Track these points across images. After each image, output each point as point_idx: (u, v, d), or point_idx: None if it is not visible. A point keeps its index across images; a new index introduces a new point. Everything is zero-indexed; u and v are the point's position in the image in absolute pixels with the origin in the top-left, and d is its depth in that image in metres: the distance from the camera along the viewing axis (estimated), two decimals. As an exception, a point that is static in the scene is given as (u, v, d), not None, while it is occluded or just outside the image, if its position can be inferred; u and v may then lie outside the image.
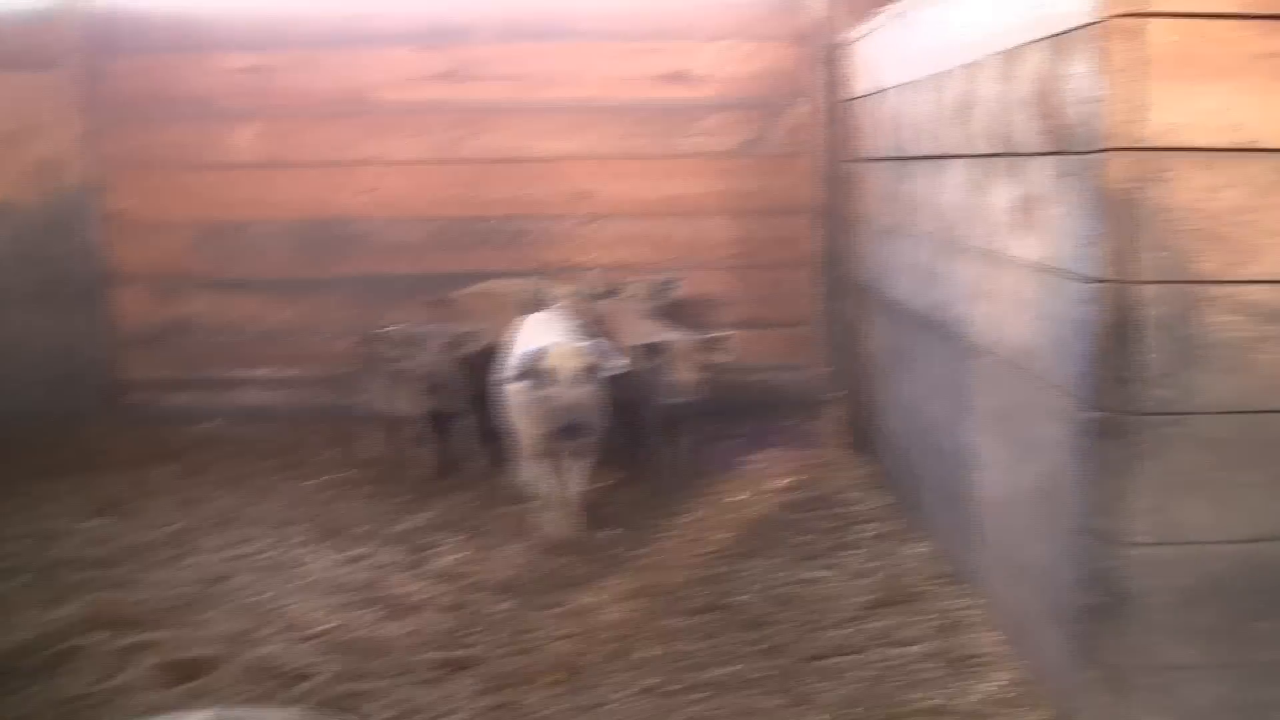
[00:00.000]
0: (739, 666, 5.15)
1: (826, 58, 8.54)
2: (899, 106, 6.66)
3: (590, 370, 6.39)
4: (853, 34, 7.88)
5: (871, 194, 7.48)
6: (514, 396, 6.63)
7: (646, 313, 8.05)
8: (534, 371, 6.35)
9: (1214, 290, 3.95)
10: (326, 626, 5.58)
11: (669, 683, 5.01)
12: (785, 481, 7.56)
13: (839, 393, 8.44)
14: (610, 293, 8.37)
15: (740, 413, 8.62)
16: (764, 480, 7.60)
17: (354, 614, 5.73)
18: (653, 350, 7.19)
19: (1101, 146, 3.94)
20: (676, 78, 9.07)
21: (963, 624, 5.43)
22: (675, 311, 8.19)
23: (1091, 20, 3.94)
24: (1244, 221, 3.92)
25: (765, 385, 9.06)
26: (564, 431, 6.39)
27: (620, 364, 6.54)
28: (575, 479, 6.79)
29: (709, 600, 5.85)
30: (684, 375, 7.14)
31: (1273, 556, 4.11)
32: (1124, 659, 4.18)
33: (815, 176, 8.91)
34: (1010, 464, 5.03)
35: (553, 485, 6.76)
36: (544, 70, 9.10)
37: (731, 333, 7.48)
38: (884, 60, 7.11)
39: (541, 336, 6.73)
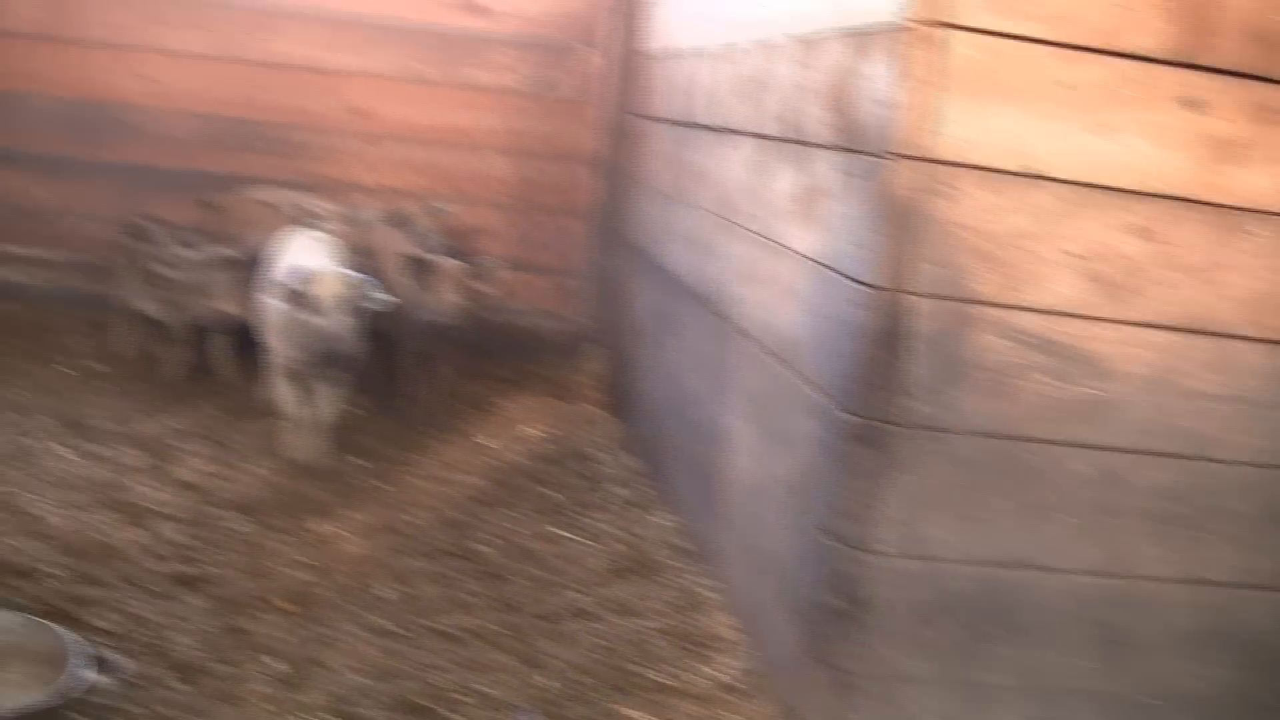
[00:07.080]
0: (473, 618, 5.15)
1: (627, 9, 8.51)
2: (693, 70, 6.61)
3: (355, 302, 6.27)
4: (656, -12, 7.84)
5: (656, 154, 7.44)
6: (274, 314, 6.49)
7: (416, 239, 7.92)
8: (298, 295, 6.20)
9: (987, 312, 3.99)
10: (59, 524, 5.46)
11: (401, 626, 5.00)
12: (539, 432, 7.55)
13: (601, 349, 8.45)
14: (383, 217, 8.24)
15: (500, 353, 8.59)
16: (517, 427, 7.58)
17: (90, 515, 5.61)
18: (419, 267, 7.18)
19: (891, 151, 3.93)
20: (471, 7, 8.90)
21: (701, 603, 5.47)
22: (445, 241, 8.06)
23: (895, 22, 3.92)
24: (1024, 248, 3.96)
25: (528, 330, 9.05)
26: (322, 359, 6.28)
27: (384, 299, 6.40)
28: (328, 405, 6.68)
29: (450, 545, 5.85)
30: (448, 296, 7.17)
31: (1011, 582, 4.19)
32: (854, 664, 4.23)
33: (600, 127, 8.89)
34: (763, 452, 5.04)
35: (303, 407, 6.65)
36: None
37: (497, 262, 7.54)
38: (682, 19, 7.09)
39: (309, 257, 6.60)
